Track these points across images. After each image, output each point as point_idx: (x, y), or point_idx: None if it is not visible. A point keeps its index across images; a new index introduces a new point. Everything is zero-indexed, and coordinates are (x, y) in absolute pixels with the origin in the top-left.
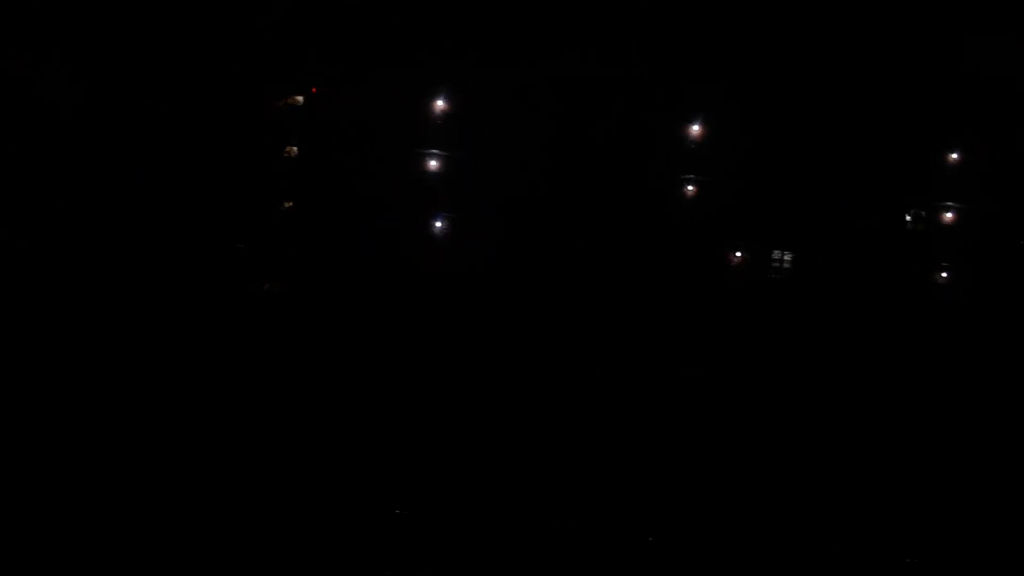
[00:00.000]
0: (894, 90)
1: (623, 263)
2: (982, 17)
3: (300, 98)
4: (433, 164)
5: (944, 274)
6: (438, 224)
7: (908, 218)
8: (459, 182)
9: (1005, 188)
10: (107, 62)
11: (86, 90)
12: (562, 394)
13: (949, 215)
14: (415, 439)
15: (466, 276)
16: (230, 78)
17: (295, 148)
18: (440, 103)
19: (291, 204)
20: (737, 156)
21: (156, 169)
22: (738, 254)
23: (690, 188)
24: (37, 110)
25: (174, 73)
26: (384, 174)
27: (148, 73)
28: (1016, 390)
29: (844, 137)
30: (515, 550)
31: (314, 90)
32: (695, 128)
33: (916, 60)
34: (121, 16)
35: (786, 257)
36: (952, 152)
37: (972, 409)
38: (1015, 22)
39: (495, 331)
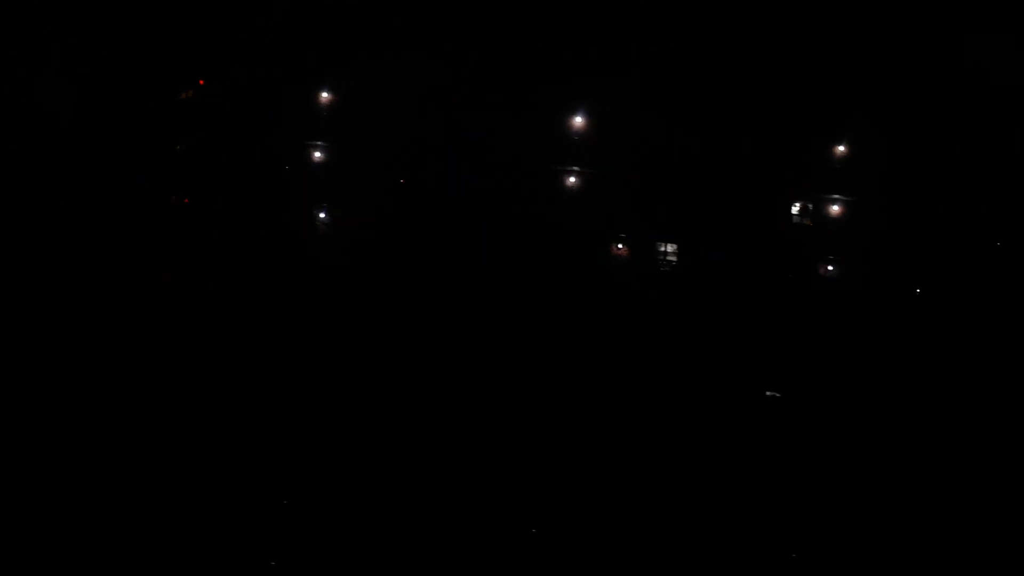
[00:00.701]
0: (782, 82)
1: (510, 254)
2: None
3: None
4: (318, 155)
5: (831, 267)
6: (323, 215)
7: (795, 211)
8: (345, 174)
9: (895, 181)
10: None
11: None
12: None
13: (836, 208)
14: (305, 433)
15: (350, 268)
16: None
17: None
18: (325, 95)
19: (182, 196)
20: (624, 148)
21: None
22: (621, 246)
23: (572, 180)
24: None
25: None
26: (273, 166)
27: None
28: (899, 382)
29: (733, 129)
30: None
31: (201, 82)
32: (579, 120)
33: (798, 53)
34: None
35: (670, 249)
36: (840, 145)
37: (854, 400)
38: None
39: (383, 325)
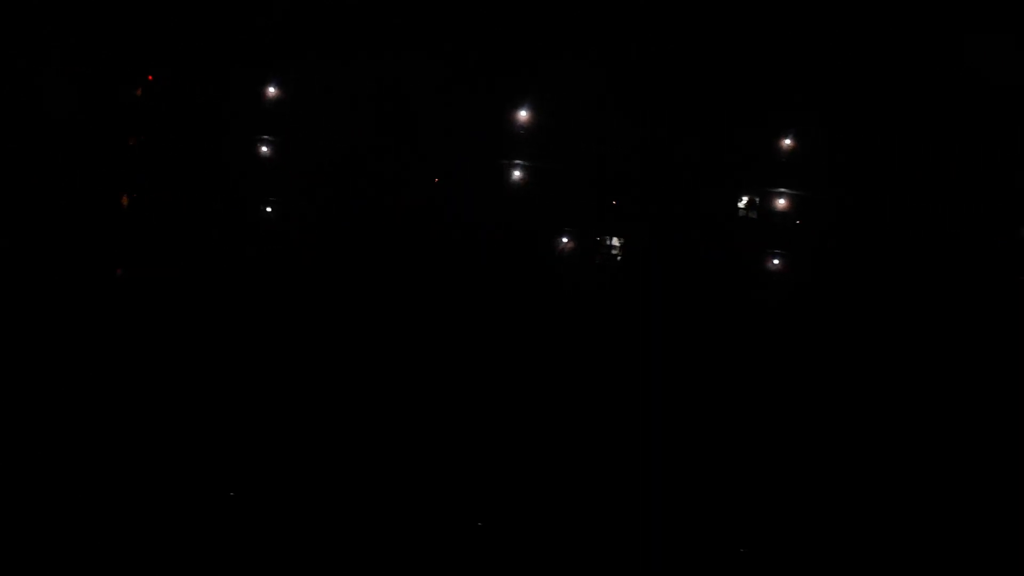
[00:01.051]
0: (726, 69)
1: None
2: None
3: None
4: (265, 150)
5: (776, 261)
6: (268, 210)
7: (741, 204)
8: (289, 169)
9: (844, 175)
10: None
11: None
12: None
13: (783, 201)
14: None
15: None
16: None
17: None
18: (273, 90)
19: (134, 194)
20: (568, 140)
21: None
22: (564, 240)
23: (517, 174)
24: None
25: None
26: (221, 161)
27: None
28: (838, 378)
29: (677, 120)
30: None
31: (151, 78)
32: (523, 113)
33: (747, 41)
34: None
35: (614, 243)
36: (787, 137)
37: (794, 398)
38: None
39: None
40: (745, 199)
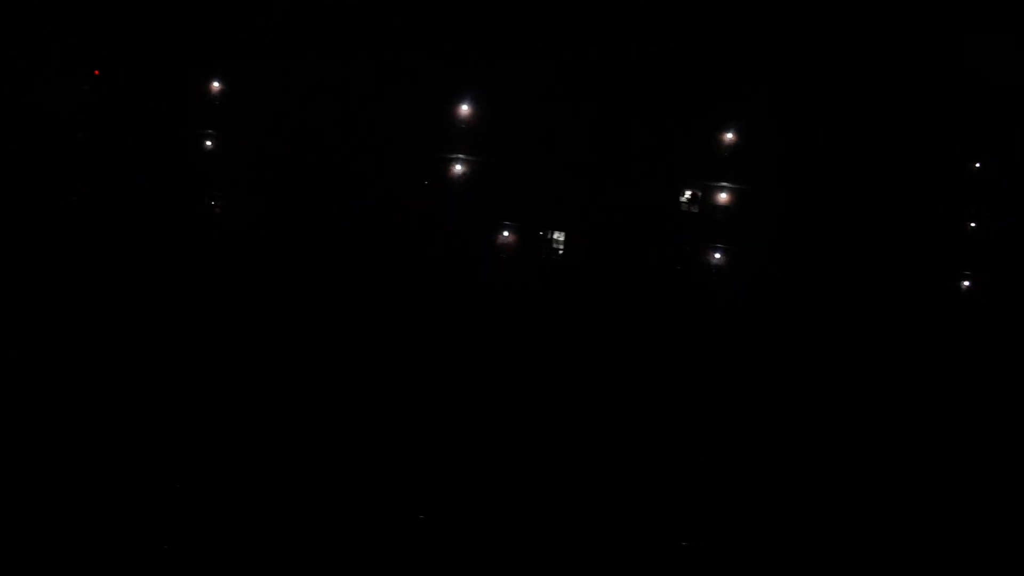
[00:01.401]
0: (668, 63)
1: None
2: None
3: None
4: (210, 144)
5: (718, 255)
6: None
7: (684, 199)
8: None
9: (787, 167)
10: None
11: None
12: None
13: (725, 195)
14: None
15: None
16: None
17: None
18: (216, 85)
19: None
20: (511, 135)
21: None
22: (506, 234)
23: (459, 168)
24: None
25: None
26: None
27: None
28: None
29: (617, 114)
30: None
31: (96, 72)
32: (465, 108)
33: (686, 35)
34: None
35: (557, 237)
36: (729, 132)
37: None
38: None
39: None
40: (688, 193)
